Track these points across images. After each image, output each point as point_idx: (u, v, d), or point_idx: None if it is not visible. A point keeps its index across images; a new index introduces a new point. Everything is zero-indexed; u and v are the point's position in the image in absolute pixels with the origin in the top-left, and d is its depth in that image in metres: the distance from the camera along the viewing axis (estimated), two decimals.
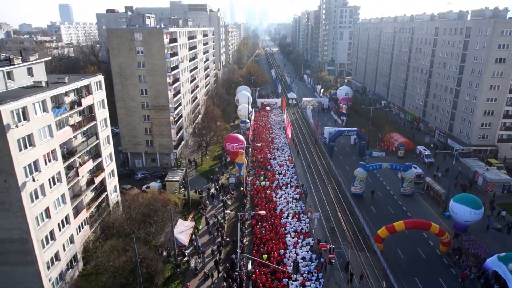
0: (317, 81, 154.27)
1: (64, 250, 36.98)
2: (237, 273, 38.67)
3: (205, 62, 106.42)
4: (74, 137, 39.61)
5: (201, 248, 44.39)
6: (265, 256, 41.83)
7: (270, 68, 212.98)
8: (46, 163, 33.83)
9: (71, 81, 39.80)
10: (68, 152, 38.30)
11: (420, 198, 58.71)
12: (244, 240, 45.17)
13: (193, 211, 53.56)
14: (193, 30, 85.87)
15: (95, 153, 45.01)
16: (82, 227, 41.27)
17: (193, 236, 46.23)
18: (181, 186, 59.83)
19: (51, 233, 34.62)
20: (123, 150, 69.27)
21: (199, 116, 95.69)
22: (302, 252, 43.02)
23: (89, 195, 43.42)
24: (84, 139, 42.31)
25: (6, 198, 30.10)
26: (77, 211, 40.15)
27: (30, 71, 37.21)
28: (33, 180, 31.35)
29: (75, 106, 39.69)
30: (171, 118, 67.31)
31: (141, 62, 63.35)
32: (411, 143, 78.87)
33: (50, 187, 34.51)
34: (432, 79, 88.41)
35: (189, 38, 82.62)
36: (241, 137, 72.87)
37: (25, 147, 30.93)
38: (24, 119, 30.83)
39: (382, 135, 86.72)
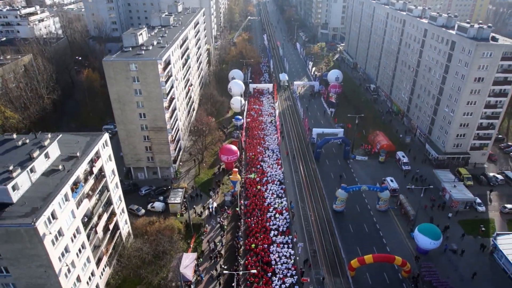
0: (309, 56, 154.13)
1: None
2: None
3: (197, 52, 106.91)
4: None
5: (203, 278, 53.22)
6: (253, 245, 57.05)
7: (263, 32, 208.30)
8: (72, 241, 40.40)
9: (83, 155, 44.43)
10: (87, 219, 44.55)
11: (393, 214, 67.00)
12: (240, 272, 53.77)
13: (195, 234, 61.56)
14: (184, 34, 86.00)
15: (107, 203, 51.22)
16: (104, 271, 49.15)
17: (196, 266, 54.61)
18: (183, 206, 67.05)
19: None
20: (125, 165, 75.01)
21: (194, 112, 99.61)
22: (283, 251, 56.80)
23: (105, 239, 50.53)
24: (97, 196, 48.20)
25: (47, 282, 37.28)
26: (99, 260, 47.62)
27: (46, 155, 41.80)
28: (66, 265, 38.21)
29: (88, 177, 44.99)
30: (169, 138, 72.16)
31: (137, 89, 66.34)
32: (393, 146, 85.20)
33: (77, 257, 41.51)
34: (417, 79, 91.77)
35: (182, 44, 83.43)
36: (234, 148, 78.53)
37: (56, 240, 37.26)
38: (53, 218, 36.70)
39: (367, 133, 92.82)
